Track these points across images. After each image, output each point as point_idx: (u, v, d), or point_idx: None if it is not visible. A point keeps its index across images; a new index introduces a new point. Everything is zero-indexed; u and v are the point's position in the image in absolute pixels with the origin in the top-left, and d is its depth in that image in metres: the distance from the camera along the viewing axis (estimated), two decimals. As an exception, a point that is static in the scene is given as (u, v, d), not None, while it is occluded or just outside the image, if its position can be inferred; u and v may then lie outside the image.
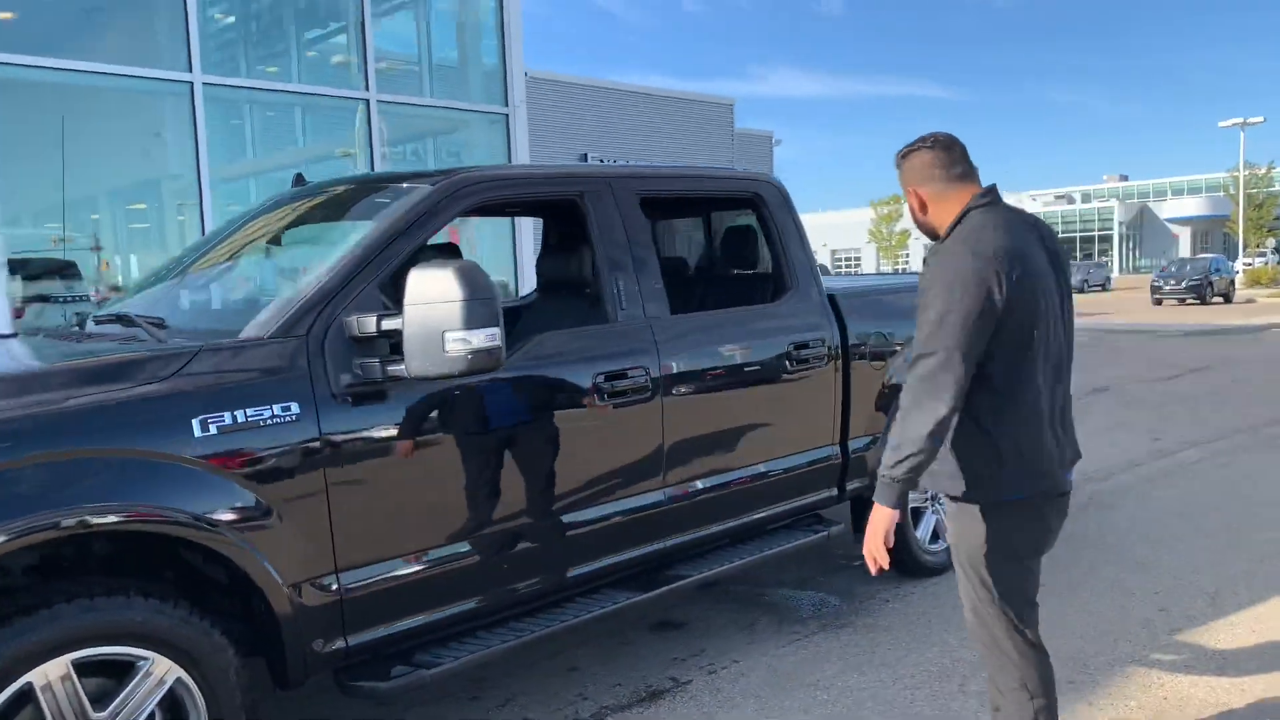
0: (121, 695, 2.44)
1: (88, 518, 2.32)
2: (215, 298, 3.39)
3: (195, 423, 2.52)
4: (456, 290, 2.66)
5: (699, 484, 3.65)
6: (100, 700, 2.43)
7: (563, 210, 3.83)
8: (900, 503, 2.40)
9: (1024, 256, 2.36)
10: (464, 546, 3.04)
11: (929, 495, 4.72)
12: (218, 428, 2.55)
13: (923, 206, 2.53)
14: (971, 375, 2.31)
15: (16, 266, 9.23)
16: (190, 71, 8.02)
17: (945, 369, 2.28)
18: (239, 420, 2.59)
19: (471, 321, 2.67)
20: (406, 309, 2.70)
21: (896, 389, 4.42)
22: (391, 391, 2.84)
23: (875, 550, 2.43)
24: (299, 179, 4.02)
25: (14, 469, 2.26)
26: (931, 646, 3.95)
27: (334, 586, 2.77)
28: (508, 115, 9.84)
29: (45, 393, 2.44)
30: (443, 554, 2.99)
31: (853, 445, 4.28)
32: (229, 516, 2.56)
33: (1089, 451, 7.18)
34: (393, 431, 2.86)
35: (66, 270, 9.51)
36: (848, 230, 68.00)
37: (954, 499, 2.51)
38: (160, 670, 2.49)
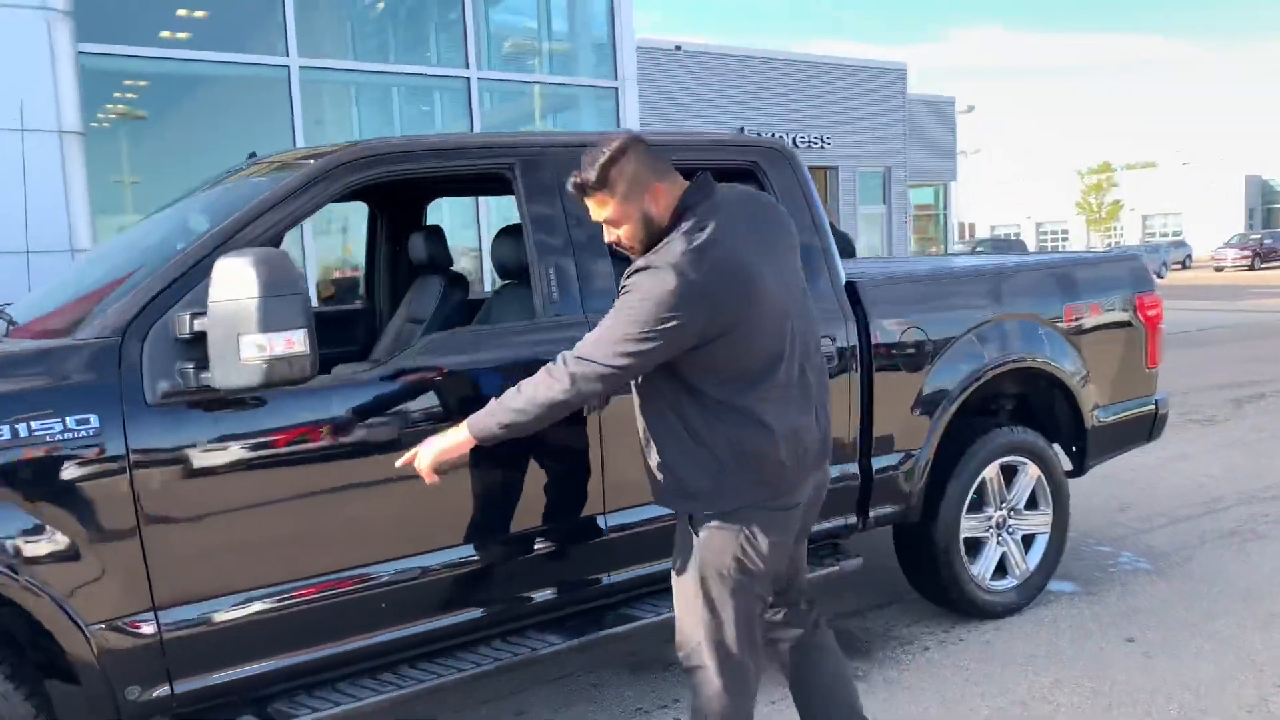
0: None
1: None
2: (82, 290, 3.09)
3: (-36, 437, 2.20)
4: (253, 285, 2.22)
5: (648, 512, 3.05)
6: None
7: (497, 188, 3.31)
8: (485, 439, 2.35)
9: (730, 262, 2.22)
10: (318, 581, 2.60)
11: (993, 522, 3.92)
12: (-12, 444, 2.22)
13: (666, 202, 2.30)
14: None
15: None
16: (287, 56, 8.01)
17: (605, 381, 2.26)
18: (20, 435, 2.24)
19: (269, 323, 2.22)
20: (209, 306, 2.29)
21: (938, 396, 3.66)
22: (216, 401, 2.44)
23: (424, 459, 2.40)
24: (252, 157, 3.69)
25: None
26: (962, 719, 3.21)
27: (150, 627, 2.40)
28: (617, 89, 9.37)
29: None
30: (291, 589, 2.57)
31: (878, 463, 3.56)
32: (5, 547, 2.22)
33: (1246, 467, 6.12)
34: (221, 449, 2.46)
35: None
36: (1052, 202, 63.50)
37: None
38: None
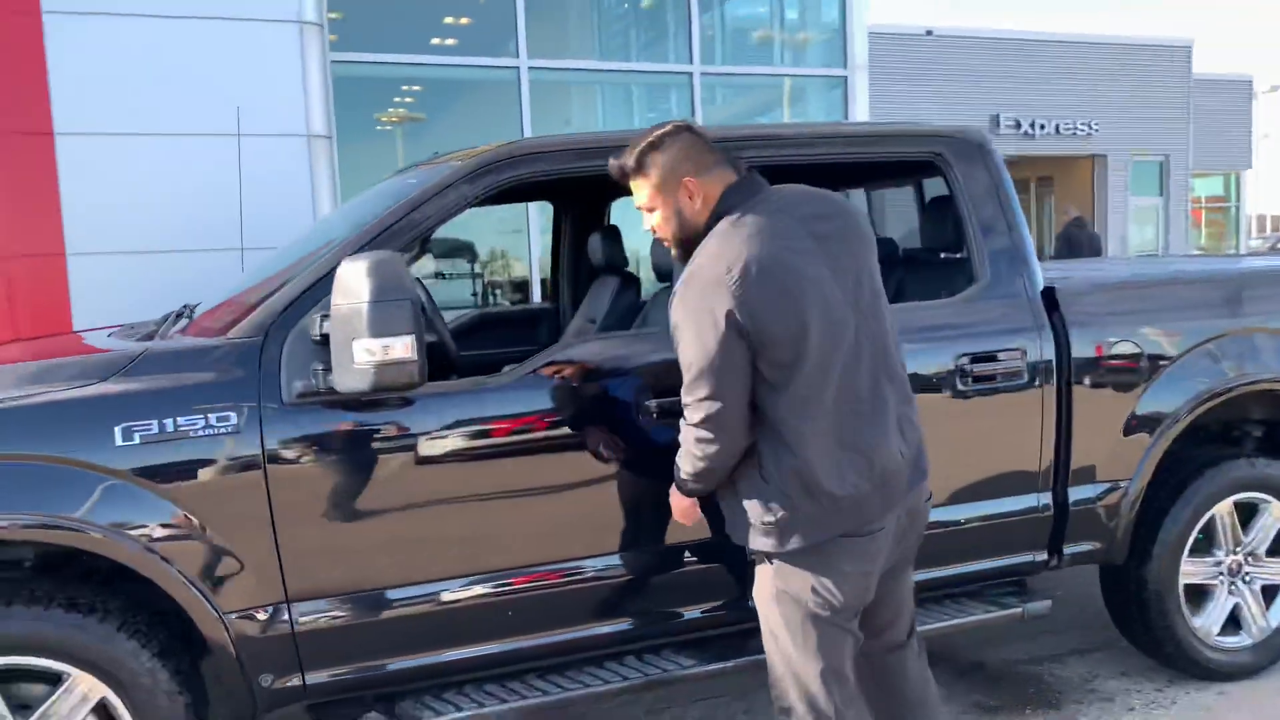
0: (42, 709, 2.35)
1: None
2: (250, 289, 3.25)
3: (118, 430, 2.34)
4: (364, 289, 2.22)
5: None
6: (24, 710, 2.37)
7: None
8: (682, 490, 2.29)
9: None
10: (455, 584, 2.60)
11: (1224, 569, 3.38)
12: (141, 437, 2.35)
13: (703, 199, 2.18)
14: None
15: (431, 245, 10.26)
16: (518, 57, 8.26)
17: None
18: (167, 430, 2.37)
19: (377, 327, 2.22)
20: (332, 308, 2.32)
21: (1154, 419, 3.19)
22: (353, 402, 2.47)
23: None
24: (435, 155, 3.78)
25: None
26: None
27: (284, 618, 2.48)
28: (846, 78, 8.99)
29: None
30: (422, 593, 2.58)
31: (1075, 494, 3.14)
32: (150, 535, 2.36)
33: None
34: (354, 448, 2.49)
35: (467, 251, 10.40)
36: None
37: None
38: (83, 687, 2.37)
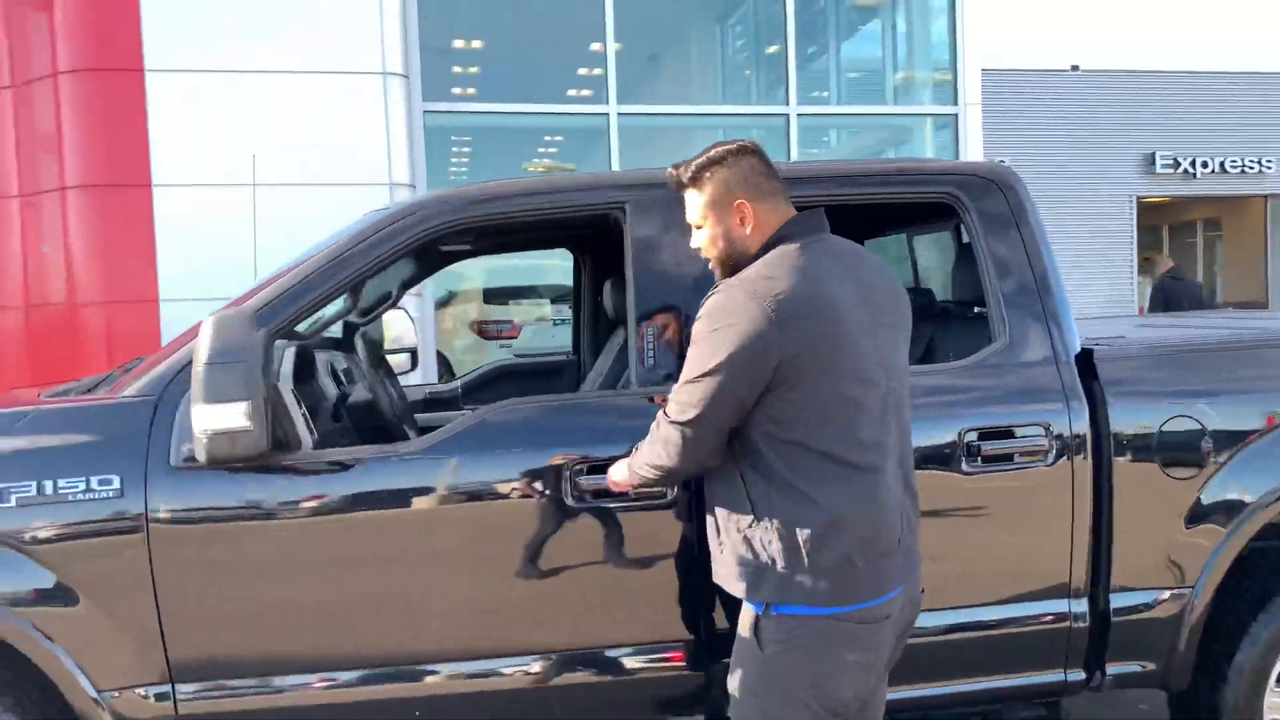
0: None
1: None
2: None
3: (-2, 490, 2.21)
4: (203, 349, 2.01)
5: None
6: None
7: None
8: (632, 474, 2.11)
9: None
10: (346, 675, 2.34)
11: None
12: (18, 499, 2.21)
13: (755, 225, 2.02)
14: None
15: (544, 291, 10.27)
16: (606, 103, 8.14)
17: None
18: (46, 492, 2.22)
19: (209, 393, 2.00)
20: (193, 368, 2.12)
21: (1224, 511, 2.63)
22: (243, 466, 2.25)
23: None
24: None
25: None
26: None
27: (164, 698, 2.28)
28: (956, 115, 8.46)
29: None
30: (315, 680, 2.32)
31: (1118, 601, 2.61)
32: (22, 603, 2.20)
33: None
34: (237, 518, 2.28)
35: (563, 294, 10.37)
36: None
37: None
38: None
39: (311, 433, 2.54)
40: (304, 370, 2.91)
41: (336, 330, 3.59)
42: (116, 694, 2.26)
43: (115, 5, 6.83)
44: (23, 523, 2.21)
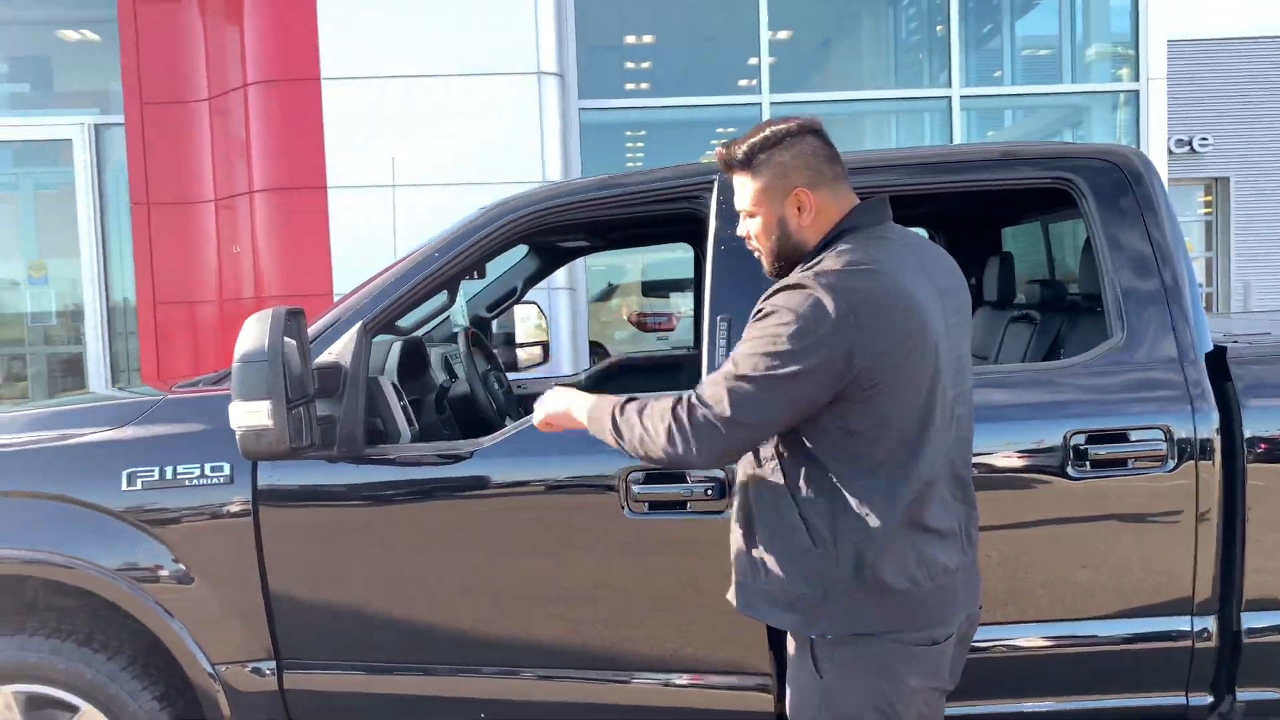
0: (57, 738, 2.46)
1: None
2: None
3: (124, 475, 2.42)
4: (237, 348, 2.13)
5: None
6: (42, 734, 2.49)
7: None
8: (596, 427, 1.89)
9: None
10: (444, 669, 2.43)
11: None
12: (143, 483, 2.42)
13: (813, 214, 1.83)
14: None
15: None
16: (760, 94, 8.05)
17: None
18: (166, 477, 2.41)
19: (238, 390, 2.12)
20: None
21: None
22: (342, 455, 2.38)
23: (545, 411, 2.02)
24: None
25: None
26: None
27: (268, 675, 2.43)
28: (1138, 92, 7.84)
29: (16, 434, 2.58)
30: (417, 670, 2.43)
31: (1251, 620, 2.37)
32: (145, 578, 2.41)
33: None
34: (336, 504, 2.41)
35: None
36: None
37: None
38: (91, 720, 2.45)
39: (412, 424, 2.65)
40: (416, 363, 3.03)
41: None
42: (226, 668, 2.43)
43: (296, 19, 7.29)
44: (147, 504, 2.41)
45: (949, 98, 8.05)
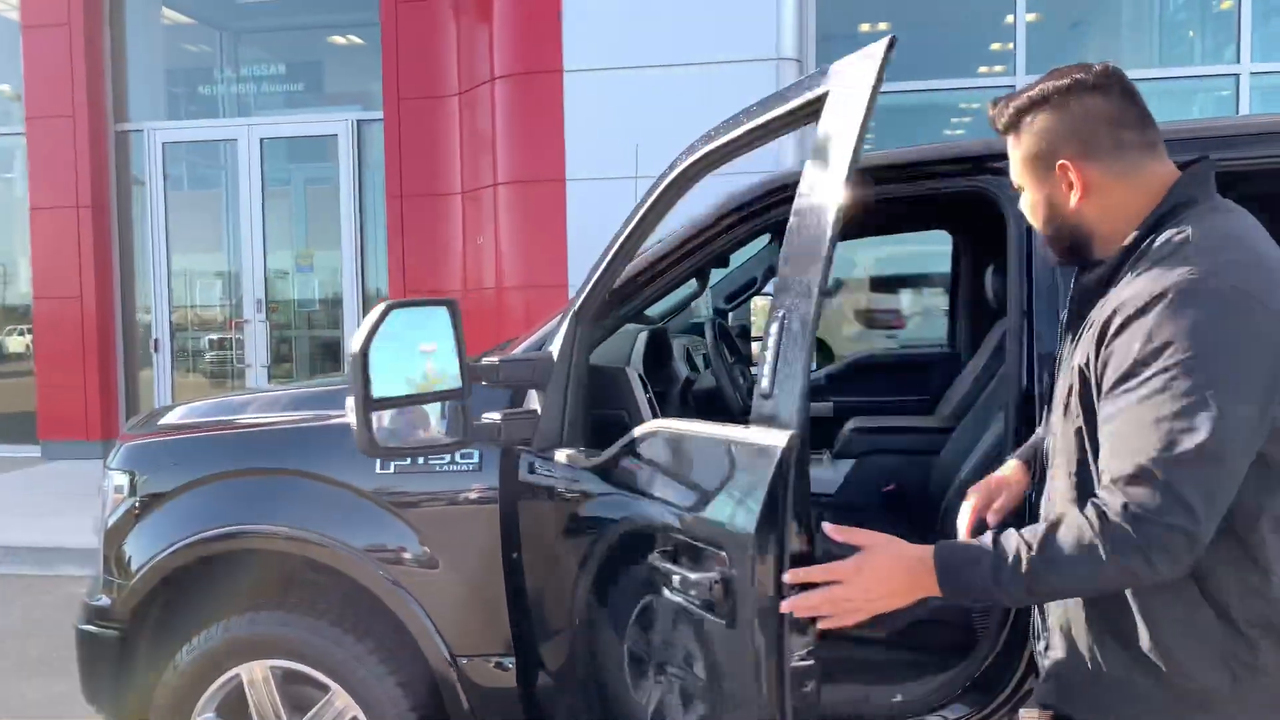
0: (309, 714, 2.52)
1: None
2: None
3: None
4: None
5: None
6: (299, 709, 2.55)
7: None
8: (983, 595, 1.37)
9: None
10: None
11: None
12: (395, 466, 2.43)
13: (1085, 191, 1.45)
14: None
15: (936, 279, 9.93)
16: (1014, 75, 7.50)
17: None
18: (419, 461, 2.42)
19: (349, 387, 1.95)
20: None
21: None
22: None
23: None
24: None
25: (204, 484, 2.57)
26: None
27: (507, 668, 2.39)
28: None
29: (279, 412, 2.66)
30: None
31: None
32: (391, 560, 2.42)
33: None
34: (559, 499, 2.31)
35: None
36: None
37: None
38: (340, 702, 2.50)
39: (657, 416, 2.53)
40: (661, 354, 2.93)
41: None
42: (466, 659, 2.41)
43: (542, 12, 7.45)
44: (397, 487, 2.43)
45: (1236, 75, 7.20)
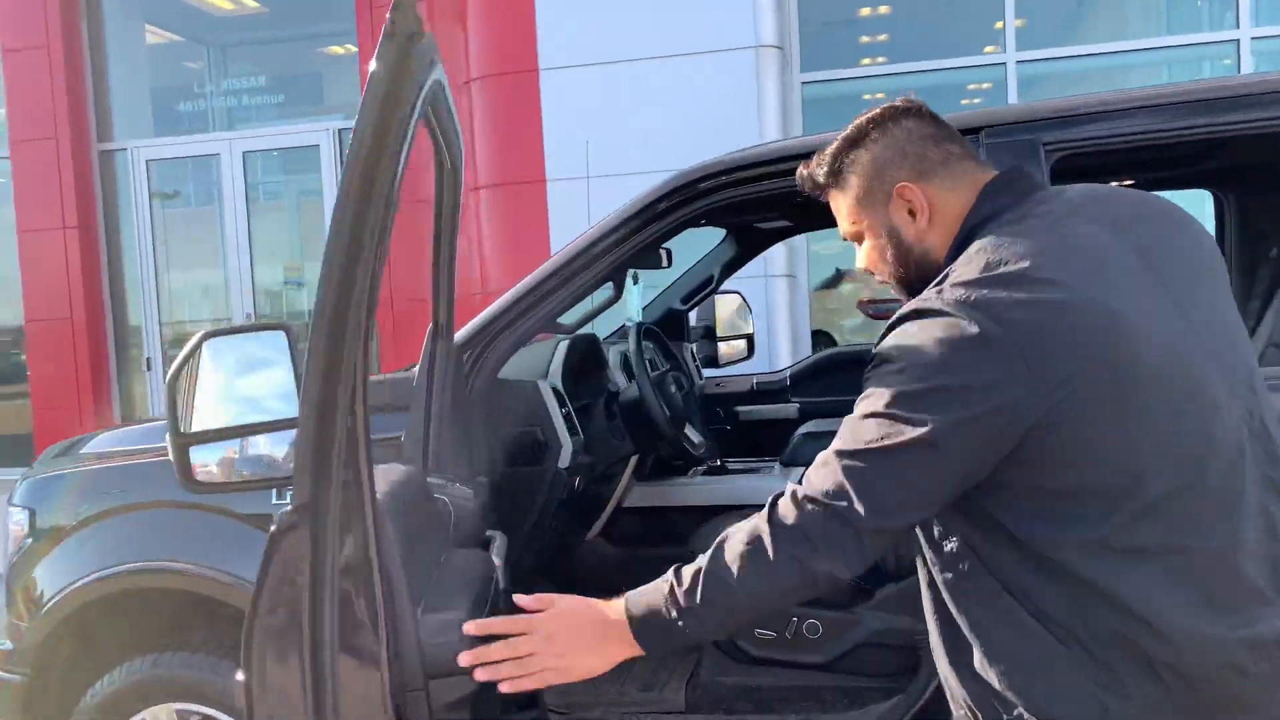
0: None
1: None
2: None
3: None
4: None
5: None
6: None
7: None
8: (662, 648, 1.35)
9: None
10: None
11: None
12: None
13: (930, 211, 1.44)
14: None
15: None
16: (1005, 51, 7.25)
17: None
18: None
19: None
20: None
21: None
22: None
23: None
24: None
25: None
26: None
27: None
28: None
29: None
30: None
31: None
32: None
33: None
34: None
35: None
36: None
37: None
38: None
39: (575, 433, 2.38)
40: (589, 365, 2.77)
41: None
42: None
43: (515, 11, 7.30)
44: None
45: (1236, 41, 6.93)
